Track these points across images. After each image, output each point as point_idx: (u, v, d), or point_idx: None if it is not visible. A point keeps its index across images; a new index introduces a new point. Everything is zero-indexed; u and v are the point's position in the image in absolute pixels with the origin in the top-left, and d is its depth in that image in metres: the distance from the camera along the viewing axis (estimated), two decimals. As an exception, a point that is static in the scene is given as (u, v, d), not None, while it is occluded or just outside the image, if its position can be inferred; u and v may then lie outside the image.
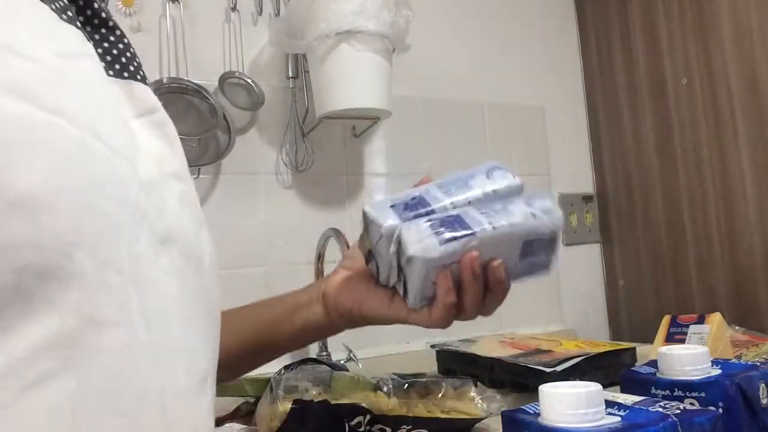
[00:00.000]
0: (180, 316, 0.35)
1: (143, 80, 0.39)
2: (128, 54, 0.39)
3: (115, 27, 0.39)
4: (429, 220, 0.52)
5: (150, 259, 0.33)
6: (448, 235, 0.51)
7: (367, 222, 0.55)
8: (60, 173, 0.30)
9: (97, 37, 0.38)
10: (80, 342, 0.30)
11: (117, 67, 0.38)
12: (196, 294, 0.37)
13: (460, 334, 1.27)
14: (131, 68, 0.38)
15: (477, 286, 0.52)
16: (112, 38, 0.39)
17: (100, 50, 0.37)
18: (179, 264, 0.36)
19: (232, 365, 0.59)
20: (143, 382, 0.32)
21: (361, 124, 1.24)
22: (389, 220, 0.53)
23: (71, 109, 0.31)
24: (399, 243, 0.52)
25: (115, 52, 0.38)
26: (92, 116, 0.32)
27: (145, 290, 0.32)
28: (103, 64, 0.37)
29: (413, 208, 0.54)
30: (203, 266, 0.38)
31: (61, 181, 0.29)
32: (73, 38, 0.35)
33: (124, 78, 0.38)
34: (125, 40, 0.40)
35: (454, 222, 0.52)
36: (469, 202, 0.55)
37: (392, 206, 0.54)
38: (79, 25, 0.36)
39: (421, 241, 0.51)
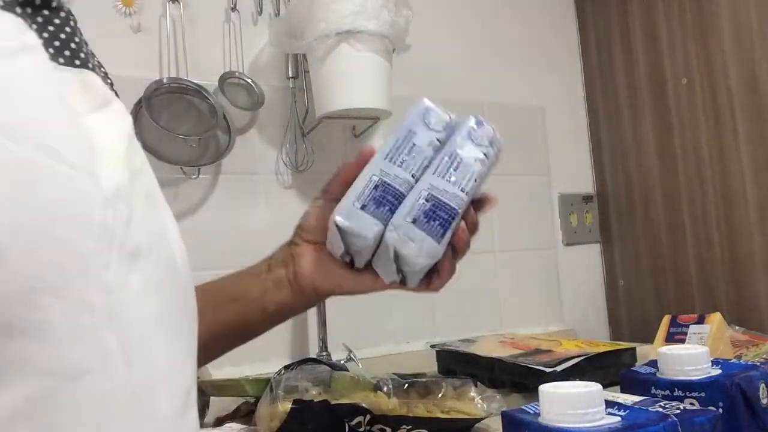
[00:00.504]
0: (161, 335, 0.31)
1: (94, 69, 0.34)
2: (77, 39, 0.34)
3: (60, 7, 0.34)
4: (413, 219, 0.51)
5: (122, 283, 0.29)
6: (440, 228, 0.51)
7: (343, 234, 0.52)
8: (8, 208, 0.25)
9: (39, 20, 0.32)
10: (55, 402, 0.26)
11: (66, 53, 0.32)
12: (174, 301, 0.34)
13: (460, 334, 1.27)
14: (81, 55, 0.33)
15: (468, 246, 0.55)
16: (57, 21, 0.33)
17: (46, 35, 0.32)
18: (154, 276, 0.32)
19: (203, 355, 0.58)
20: (126, 425, 0.29)
21: (361, 124, 1.24)
22: (373, 228, 0.51)
23: (17, 124, 0.26)
24: (397, 256, 0.52)
25: (62, 36, 0.33)
26: (43, 126, 0.28)
27: (121, 323, 0.29)
28: (50, 51, 0.32)
29: (383, 201, 0.52)
30: (177, 266, 0.35)
31: (11, 216, 0.25)
32: (11, 28, 0.29)
33: (76, 66, 0.33)
34: (72, 23, 0.34)
35: (437, 209, 0.52)
36: (426, 166, 0.54)
37: (362, 207, 0.52)
38: (18, 11, 0.31)
39: (422, 249, 0.51)
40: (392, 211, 0.52)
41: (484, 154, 0.54)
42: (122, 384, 0.28)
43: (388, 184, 0.52)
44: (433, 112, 0.56)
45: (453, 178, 0.53)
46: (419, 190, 0.52)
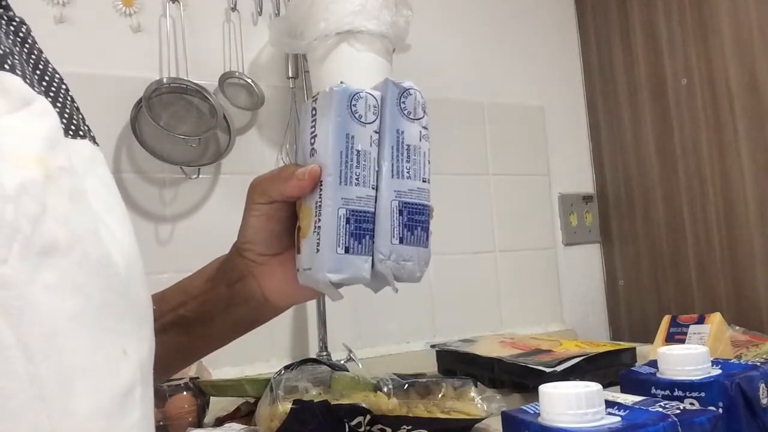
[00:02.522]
0: (82, 333, 0.31)
1: (12, 69, 0.33)
2: None
3: None
4: (399, 239, 0.49)
5: (25, 278, 0.29)
6: (423, 233, 0.50)
7: (339, 285, 0.49)
8: None
9: None
10: None
11: None
12: (107, 301, 0.33)
13: (460, 334, 1.27)
14: None
15: None
16: None
17: None
18: (74, 274, 0.31)
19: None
20: (30, 422, 0.28)
21: (361, 124, 1.23)
22: (365, 266, 0.49)
23: None
24: (397, 277, 0.50)
25: None
26: None
27: (21, 318, 0.28)
28: None
29: (362, 233, 0.49)
30: (115, 265, 0.34)
31: None
32: None
33: None
34: None
35: (413, 215, 0.50)
36: (377, 169, 0.50)
37: (346, 251, 0.48)
38: None
39: (419, 263, 0.50)
40: (372, 237, 0.49)
41: (424, 126, 0.51)
42: (23, 380, 0.28)
43: (357, 212, 0.49)
44: (358, 100, 0.50)
45: (411, 172, 0.50)
46: (388, 202, 0.49)
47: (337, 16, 1.03)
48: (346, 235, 0.48)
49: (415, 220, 0.50)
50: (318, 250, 0.48)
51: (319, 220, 0.49)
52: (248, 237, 0.55)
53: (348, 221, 0.48)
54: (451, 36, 1.43)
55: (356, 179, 0.49)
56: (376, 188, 0.50)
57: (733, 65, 1.25)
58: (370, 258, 0.49)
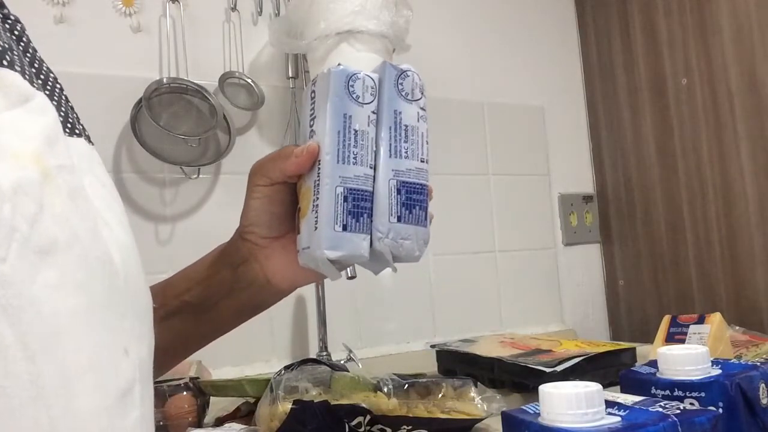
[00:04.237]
0: (83, 332, 0.31)
1: (11, 65, 0.32)
2: None
3: None
4: (397, 217, 0.49)
5: (24, 277, 0.28)
6: (422, 212, 0.50)
7: (337, 263, 0.49)
8: None
9: None
10: None
11: None
12: (108, 299, 0.33)
13: (460, 334, 1.27)
14: None
15: None
16: None
17: None
18: (75, 272, 0.31)
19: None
20: (31, 422, 0.28)
21: (361, 124, 1.24)
22: (363, 244, 0.49)
23: None
24: (395, 256, 0.50)
25: None
26: None
27: (22, 317, 0.28)
28: None
29: (360, 211, 0.48)
30: (114, 264, 0.34)
31: None
32: None
33: None
34: None
35: (411, 194, 0.50)
36: (375, 149, 0.50)
37: (344, 228, 0.48)
38: None
39: (417, 241, 0.50)
40: (370, 216, 0.49)
41: (422, 107, 0.51)
42: (24, 380, 0.28)
43: (355, 190, 0.49)
44: (356, 81, 0.51)
45: (409, 152, 0.50)
46: (386, 181, 0.49)
47: (337, 16, 1.03)
48: (343, 213, 0.48)
49: (413, 199, 0.50)
50: (316, 228, 0.48)
51: (317, 198, 0.49)
52: (250, 220, 0.55)
53: (346, 199, 0.48)
54: (451, 36, 1.43)
55: (354, 158, 0.49)
56: (375, 168, 0.50)
57: (733, 65, 1.25)
58: (369, 236, 0.49)
